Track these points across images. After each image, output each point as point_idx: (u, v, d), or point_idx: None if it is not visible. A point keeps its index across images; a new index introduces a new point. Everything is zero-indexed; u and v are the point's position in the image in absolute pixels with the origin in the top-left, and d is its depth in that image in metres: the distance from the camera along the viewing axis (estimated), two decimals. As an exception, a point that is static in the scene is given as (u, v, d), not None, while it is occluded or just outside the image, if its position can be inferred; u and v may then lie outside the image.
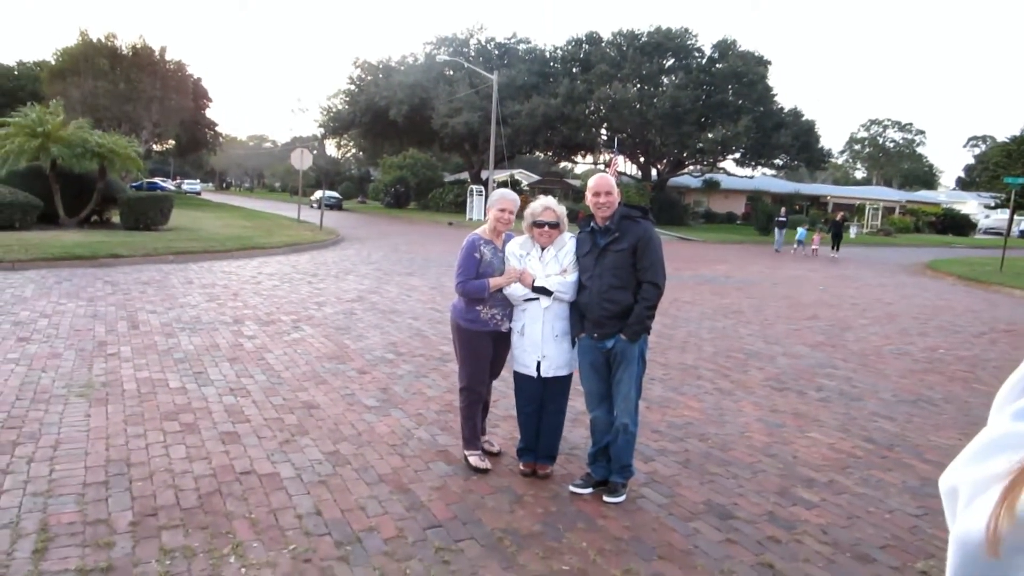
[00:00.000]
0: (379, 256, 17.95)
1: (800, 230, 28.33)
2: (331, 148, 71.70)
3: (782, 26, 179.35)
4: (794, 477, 4.60)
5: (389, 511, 3.83)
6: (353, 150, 66.66)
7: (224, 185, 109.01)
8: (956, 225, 52.99)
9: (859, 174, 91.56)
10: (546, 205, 4.27)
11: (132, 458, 4.34)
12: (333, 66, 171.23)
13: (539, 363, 4.27)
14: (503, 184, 42.51)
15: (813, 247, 26.96)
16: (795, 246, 27.93)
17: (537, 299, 4.25)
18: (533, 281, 4.23)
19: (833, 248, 26.52)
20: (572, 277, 4.24)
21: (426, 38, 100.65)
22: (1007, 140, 39.27)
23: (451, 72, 44.85)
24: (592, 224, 4.23)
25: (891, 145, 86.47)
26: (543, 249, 4.31)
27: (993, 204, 47.14)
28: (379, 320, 9.16)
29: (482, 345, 4.45)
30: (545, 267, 4.26)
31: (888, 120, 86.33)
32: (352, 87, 50.11)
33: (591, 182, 4.24)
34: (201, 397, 5.60)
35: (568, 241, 4.34)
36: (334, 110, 51.10)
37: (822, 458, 4.99)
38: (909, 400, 6.67)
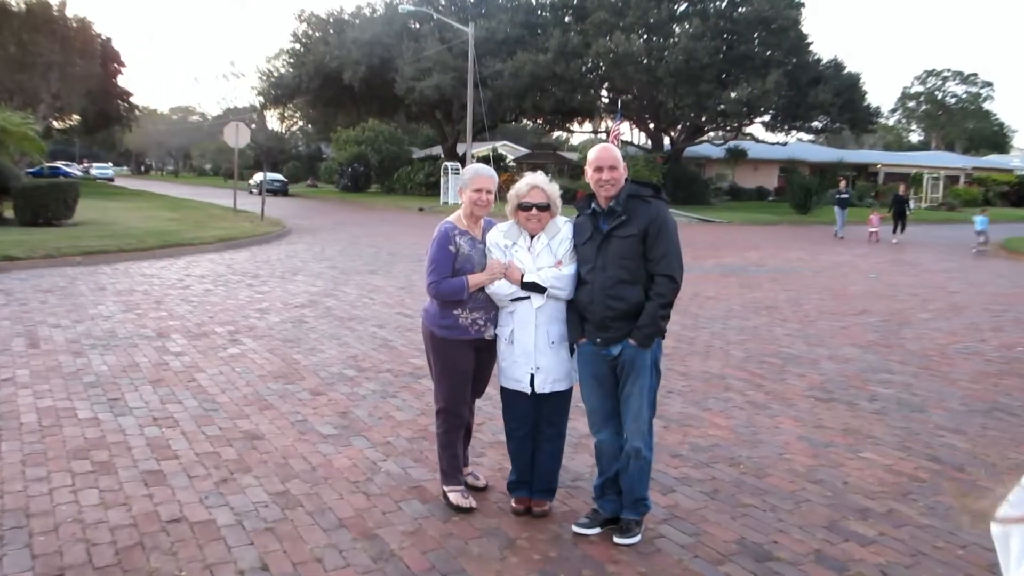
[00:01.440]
0: (334, 251, 17.91)
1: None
2: (273, 121, 71.60)
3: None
4: (845, 507, 4.61)
5: (352, 562, 3.81)
6: (300, 123, 66.62)
7: (143, 169, 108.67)
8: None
9: (914, 137, 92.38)
10: (532, 184, 4.21)
11: (32, 507, 4.28)
12: (273, 21, 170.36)
13: (532, 376, 4.20)
14: (484, 160, 42.62)
15: (872, 230, 25.65)
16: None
17: (527, 298, 4.19)
18: (522, 276, 4.16)
19: (895, 229, 25.44)
20: (569, 270, 4.17)
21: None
22: None
23: (417, 25, 44.89)
24: (593, 205, 4.15)
25: (952, 101, 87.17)
26: (532, 237, 4.25)
27: None
28: (336, 329, 9.12)
29: (461, 357, 4.43)
30: (536, 259, 4.20)
31: (948, 71, 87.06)
32: (297, 46, 50.06)
33: (591, 154, 4.15)
34: (118, 429, 5.55)
35: (563, 227, 4.28)
36: (275, 74, 51.07)
37: (878, 483, 5.00)
38: (982, 410, 6.71)
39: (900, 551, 4.11)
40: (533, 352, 4.18)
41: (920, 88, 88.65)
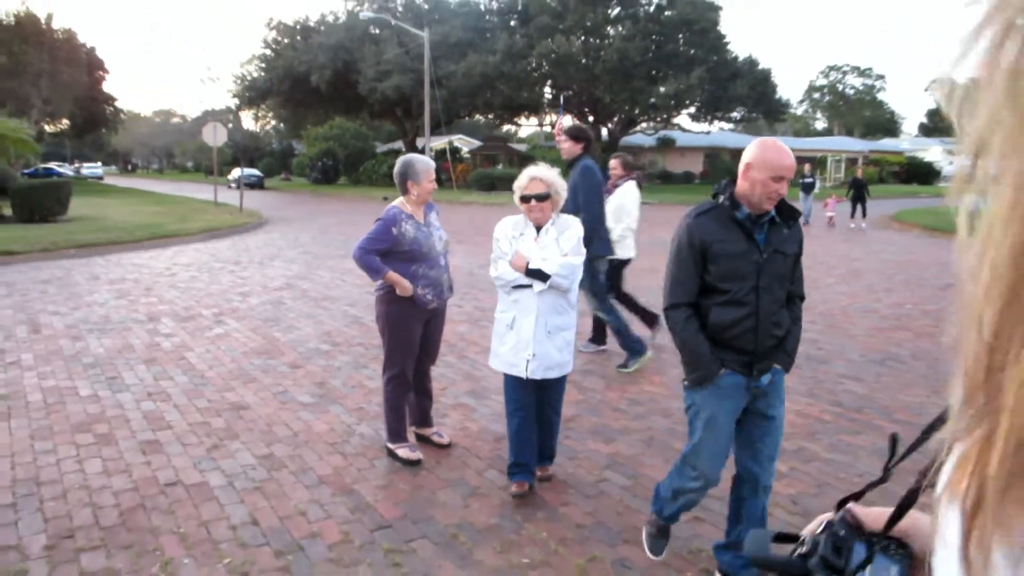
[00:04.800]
0: (308, 238, 17.71)
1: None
2: (248, 121, 70.15)
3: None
4: (761, 448, 4.75)
5: (332, 515, 3.83)
6: (273, 122, 65.32)
7: (129, 167, 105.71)
8: (920, 174, 54.75)
9: (820, 124, 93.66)
10: (532, 175, 3.93)
11: (42, 476, 4.23)
12: (245, 29, 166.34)
13: (528, 362, 3.94)
14: (441, 153, 42.33)
15: (830, 214, 22.46)
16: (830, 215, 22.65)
17: (530, 286, 3.92)
18: (527, 265, 3.89)
19: (853, 214, 21.90)
20: (578, 259, 3.93)
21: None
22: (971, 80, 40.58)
23: (377, 31, 44.21)
24: (738, 207, 3.04)
25: (851, 92, 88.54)
26: (539, 229, 4.01)
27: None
28: (311, 309, 9.06)
29: (414, 329, 4.47)
30: (543, 250, 3.93)
31: (847, 66, 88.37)
32: (267, 51, 49.00)
33: (767, 156, 2.95)
34: (116, 404, 5.48)
35: (573, 224, 4.01)
36: (248, 78, 49.94)
37: (790, 425, 5.14)
38: (877, 360, 6.93)
39: (808, 483, 4.26)
40: (531, 339, 3.91)
41: (824, 81, 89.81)
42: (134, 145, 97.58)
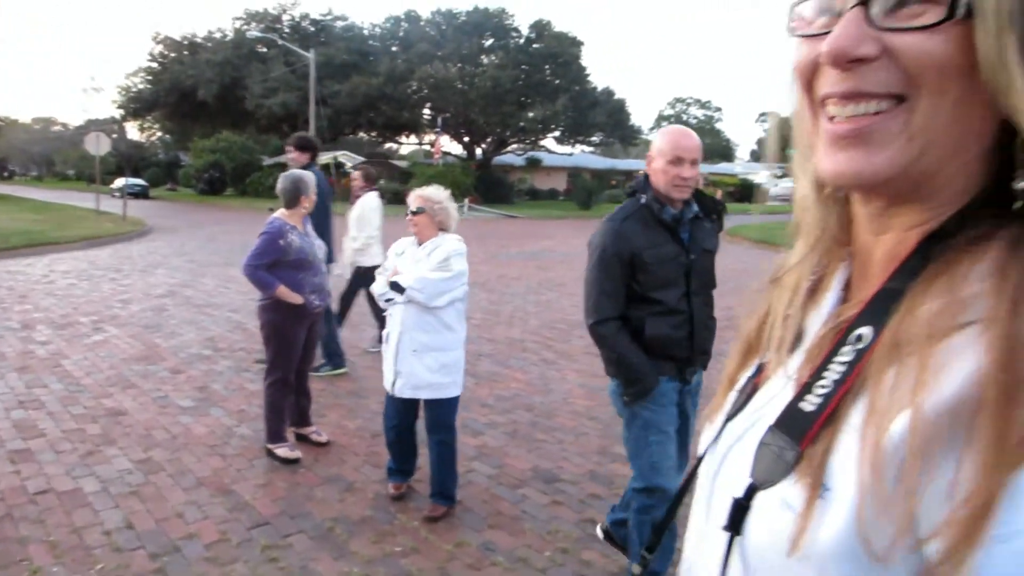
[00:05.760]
0: (193, 247, 16.81)
1: None
2: (133, 131, 65.89)
3: (593, 6, 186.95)
4: (613, 436, 4.88)
5: (210, 515, 3.64)
6: (159, 133, 61.67)
7: (6, 174, 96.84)
8: (751, 194, 58.30)
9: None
10: (415, 192, 3.70)
11: None
12: (131, 40, 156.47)
13: (393, 380, 3.67)
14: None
15: None
16: None
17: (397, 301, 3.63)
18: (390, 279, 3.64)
19: None
20: (438, 275, 3.52)
21: (235, 12, 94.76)
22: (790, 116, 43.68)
23: (265, 49, 42.59)
24: (662, 207, 2.71)
25: (694, 121, 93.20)
26: (420, 244, 3.72)
27: (780, 174, 52.31)
28: (194, 315, 8.59)
29: (298, 332, 4.39)
30: (415, 265, 3.62)
31: (691, 98, 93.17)
32: (154, 64, 46.20)
33: (666, 141, 2.66)
34: (-16, 414, 4.99)
35: (446, 241, 3.63)
36: (134, 90, 46.89)
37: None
38: (714, 353, 7.30)
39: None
40: (395, 356, 3.62)
41: (671, 111, 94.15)
42: (11, 152, 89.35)
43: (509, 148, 46.59)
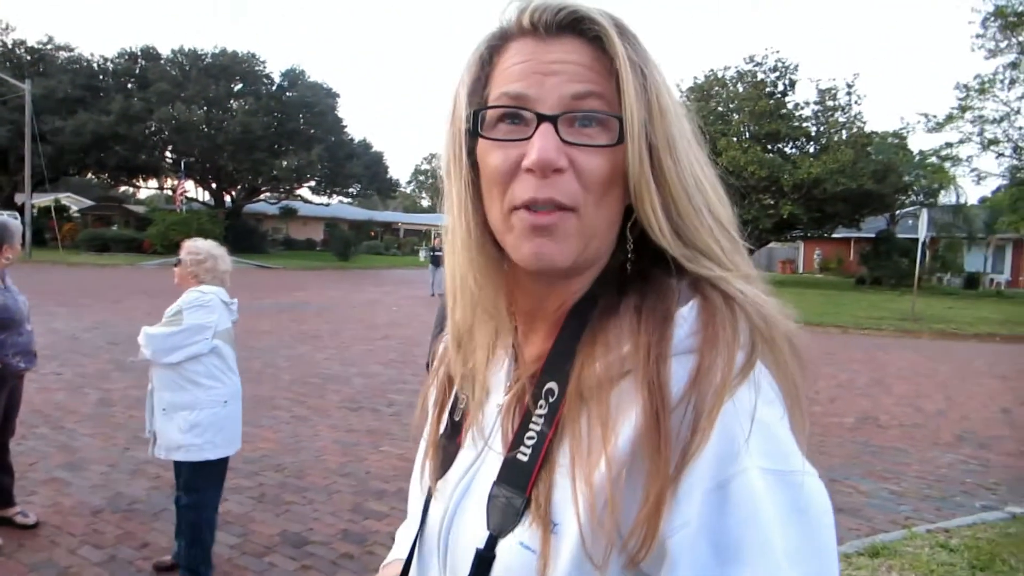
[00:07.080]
0: None
1: None
2: None
3: (349, 59, 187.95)
4: (367, 492, 4.82)
5: None
6: None
7: None
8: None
9: (425, 203, 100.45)
10: (184, 243, 3.58)
11: None
12: None
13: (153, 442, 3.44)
14: (45, 210, 36.43)
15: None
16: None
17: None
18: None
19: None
20: (164, 329, 3.31)
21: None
22: None
23: (-34, 75, 36.90)
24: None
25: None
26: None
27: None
28: None
29: (6, 394, 3.83)
30: (166, 318, 3.40)
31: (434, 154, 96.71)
32: None
33: None
34: None
35: (186, 295, 3.41)
36: None
37: (393, 469, 5.32)
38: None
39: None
40: (149, 415, 3.44)
41: (427, 166, 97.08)
42: None
43: (262, 196, 44.69)
